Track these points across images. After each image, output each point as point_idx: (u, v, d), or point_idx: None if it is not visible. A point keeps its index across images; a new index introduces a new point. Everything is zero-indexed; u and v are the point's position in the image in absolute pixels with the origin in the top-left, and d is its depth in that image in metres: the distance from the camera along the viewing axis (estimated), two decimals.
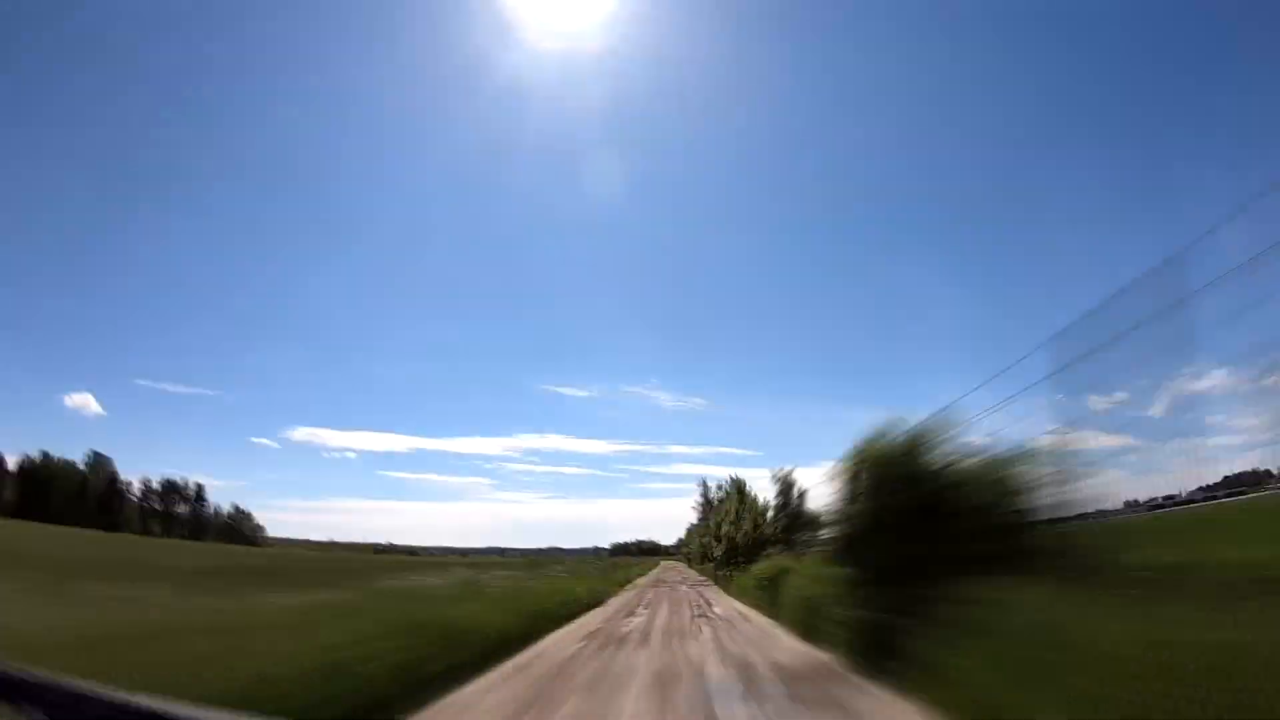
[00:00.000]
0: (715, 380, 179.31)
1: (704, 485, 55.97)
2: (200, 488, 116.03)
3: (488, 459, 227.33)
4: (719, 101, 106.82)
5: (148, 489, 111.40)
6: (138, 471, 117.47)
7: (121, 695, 1.40)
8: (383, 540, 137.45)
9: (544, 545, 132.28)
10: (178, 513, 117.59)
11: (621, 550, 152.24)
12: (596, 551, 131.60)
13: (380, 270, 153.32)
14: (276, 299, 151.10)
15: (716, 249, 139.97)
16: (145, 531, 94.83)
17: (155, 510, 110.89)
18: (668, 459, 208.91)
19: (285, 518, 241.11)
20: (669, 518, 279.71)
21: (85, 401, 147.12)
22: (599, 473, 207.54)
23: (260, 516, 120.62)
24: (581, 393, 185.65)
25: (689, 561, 71.10)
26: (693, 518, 61.36)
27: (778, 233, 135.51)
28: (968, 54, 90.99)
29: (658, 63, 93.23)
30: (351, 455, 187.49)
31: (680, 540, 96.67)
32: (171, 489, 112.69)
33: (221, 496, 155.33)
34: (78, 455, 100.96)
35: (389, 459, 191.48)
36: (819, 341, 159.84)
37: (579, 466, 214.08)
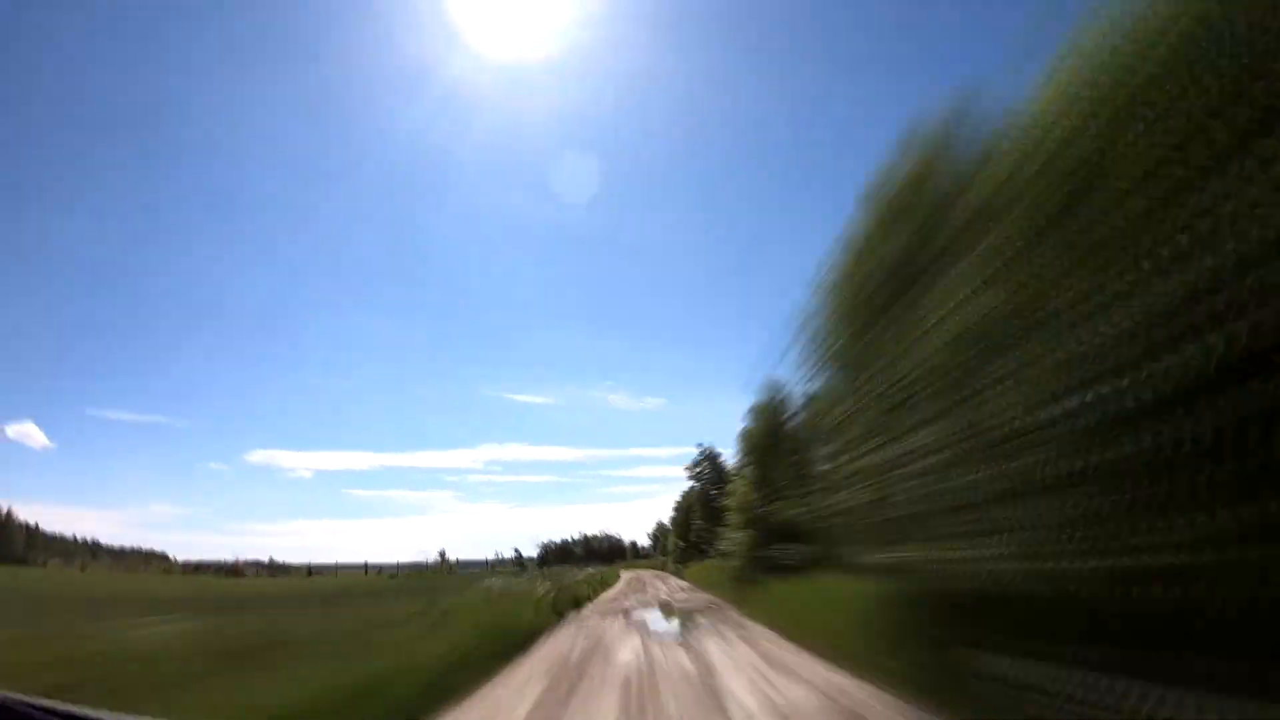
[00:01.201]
0: (672, 377, 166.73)
1: None
2: None
3: (451, 471, 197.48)
4: (672, 107, 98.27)
5: None
6: (89, 505, 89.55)
7: (42, 701, 1.41)
8: (347, 560, 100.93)
9: (502, 555, 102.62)
10: None
11: (560, 555, 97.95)
12: (519, 560, 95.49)
13: (328, 279, 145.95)
14: (226, 319, 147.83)
15: (665, 247, 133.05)
16: None
17: None
18: (631, 462, 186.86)
19: (237, 541, 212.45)
20: (638, 520, 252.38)
21: (28, 431, 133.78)
22: (562, 479, 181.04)
23: (217, 541, 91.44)
24: (538, 399, 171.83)
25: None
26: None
27: (726, 230, 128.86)
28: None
29: (608, 69, 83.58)
30: (306, 475, 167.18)
31: (662, 526, 66.10)
32: None
33: (184, 524, 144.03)
34: (22, 492, 79.74)
35: (350, 477, 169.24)
36: (778, 333, 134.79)
37: (543, 474, 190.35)
